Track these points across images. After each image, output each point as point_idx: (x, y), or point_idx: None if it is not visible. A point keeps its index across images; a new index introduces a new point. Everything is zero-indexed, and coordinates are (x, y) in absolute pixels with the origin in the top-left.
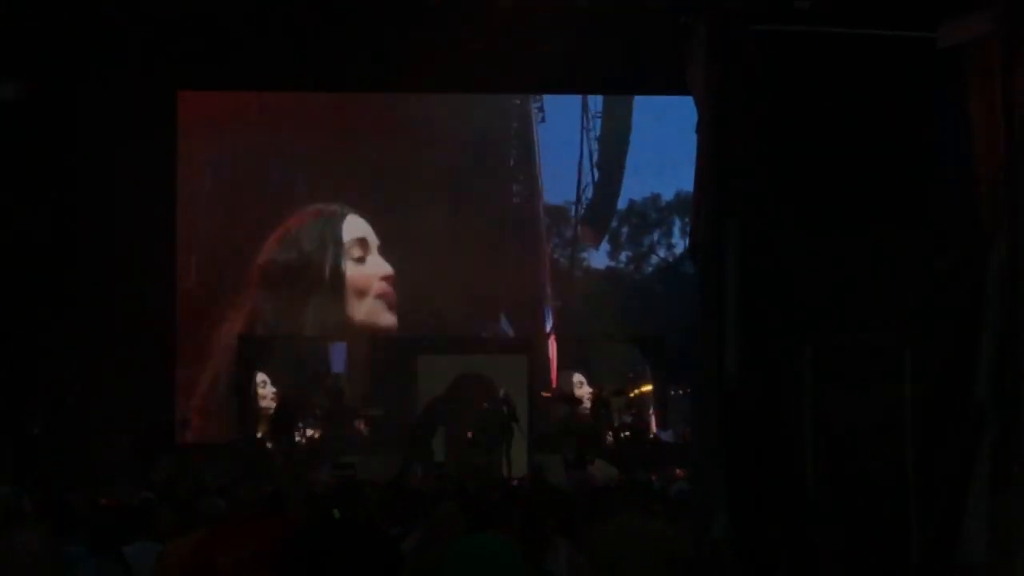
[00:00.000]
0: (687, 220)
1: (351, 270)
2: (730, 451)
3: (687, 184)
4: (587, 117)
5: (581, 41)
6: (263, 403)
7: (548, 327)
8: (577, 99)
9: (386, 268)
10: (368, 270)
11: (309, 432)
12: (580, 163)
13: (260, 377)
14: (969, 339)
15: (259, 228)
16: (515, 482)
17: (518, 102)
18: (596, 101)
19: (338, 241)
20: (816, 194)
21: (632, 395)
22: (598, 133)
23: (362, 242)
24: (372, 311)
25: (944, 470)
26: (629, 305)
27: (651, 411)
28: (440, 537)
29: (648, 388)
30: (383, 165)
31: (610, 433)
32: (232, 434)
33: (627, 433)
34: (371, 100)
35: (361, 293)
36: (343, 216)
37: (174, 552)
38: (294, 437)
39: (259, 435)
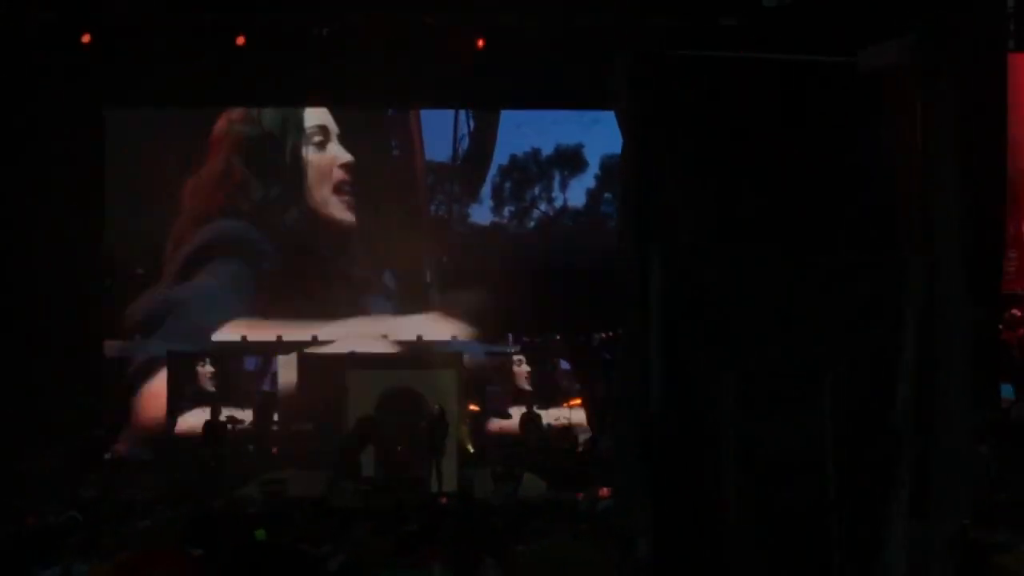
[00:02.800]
0: (566, 173)
1: (311, 154)
2: (653, 476)
3: (566, 139)
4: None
5: (507, 58)
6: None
7: (428, 280)
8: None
9: (346, 155)
10: (328, 155)
11: (238, 447)
12: (456, 115)
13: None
14: (888, 365)
15: None
16: (444, 499)
17: None
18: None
19: (300, 124)
20: (737, 219)
21: (563, 405)
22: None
23: (323, 128)
24: (327, 202)
25: (864, 494)
26: (512, 260)
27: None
28: (362, 562)
29: (577, 401)
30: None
31: (539, 445)
32: (162, 450)
33: (555, 447)
34: None
35: (320, 179)
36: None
37: (99, 574)
38: (223, 453)
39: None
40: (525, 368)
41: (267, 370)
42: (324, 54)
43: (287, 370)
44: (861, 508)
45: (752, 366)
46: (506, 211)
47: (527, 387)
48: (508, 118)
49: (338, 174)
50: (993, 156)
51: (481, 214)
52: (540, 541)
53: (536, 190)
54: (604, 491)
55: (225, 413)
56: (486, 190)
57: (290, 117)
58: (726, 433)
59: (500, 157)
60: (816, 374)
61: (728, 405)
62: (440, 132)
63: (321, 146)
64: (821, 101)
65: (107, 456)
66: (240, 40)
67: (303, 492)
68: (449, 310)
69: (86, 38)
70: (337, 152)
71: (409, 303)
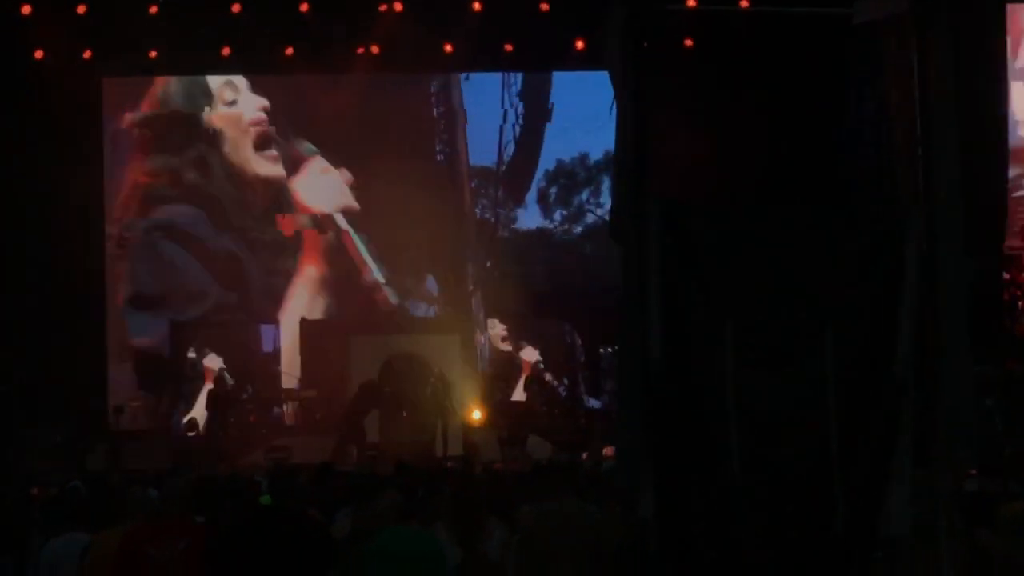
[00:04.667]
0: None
1: (224, 112)
2: (654, 433)
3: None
4: (508, 73)
5: (503, 17)
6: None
7: (471, 286)
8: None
9: (260, 100)
10: (240, 109)
11: (243, 416)
12: (503, 119)
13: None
14: (888, 316)
15: None
16: (449, 464)
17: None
18: None
19: (207, 92)
20: (735, 172)
21: (566, 365)
22: (519, 89)
23: (230, 85)
24: (251, 158)
25: (866, 447)
26: (559, 264)
27: (580, 379)
28: (368, 527)
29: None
30: (315, 114)
31: (544, 409)
32: (166, 421)
33: (559, 409)
34: None
35: (239, 133)
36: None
37: (104, 544)
38: (228, 422)
39: (192, 420)
40: (507, 332)
41: (271, 338)
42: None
43: (290, 338)
44: (863, 461)
45: (752, 321)
46: (556, 215)
47: (533, 352)
48: (555, 121)
49: (254, 117)
50: (992, 106)
51: (528, 219)
52: (544, 502)
53: (584, 195)
54: (607, 451)
55: (229, 382)
56: (532, 195)
57: (196, 87)
58: (726, 389)
59: (546, 162)
60: (816, 328)
61: (728, 361)
62: (486, 137)
63: (233, 104)
64: (819, 54)
65: (113, 427)
66: (236, 8)
67: (309, 459)
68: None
69: (81, 8)
70: (250, 101)
71: (452, 310)
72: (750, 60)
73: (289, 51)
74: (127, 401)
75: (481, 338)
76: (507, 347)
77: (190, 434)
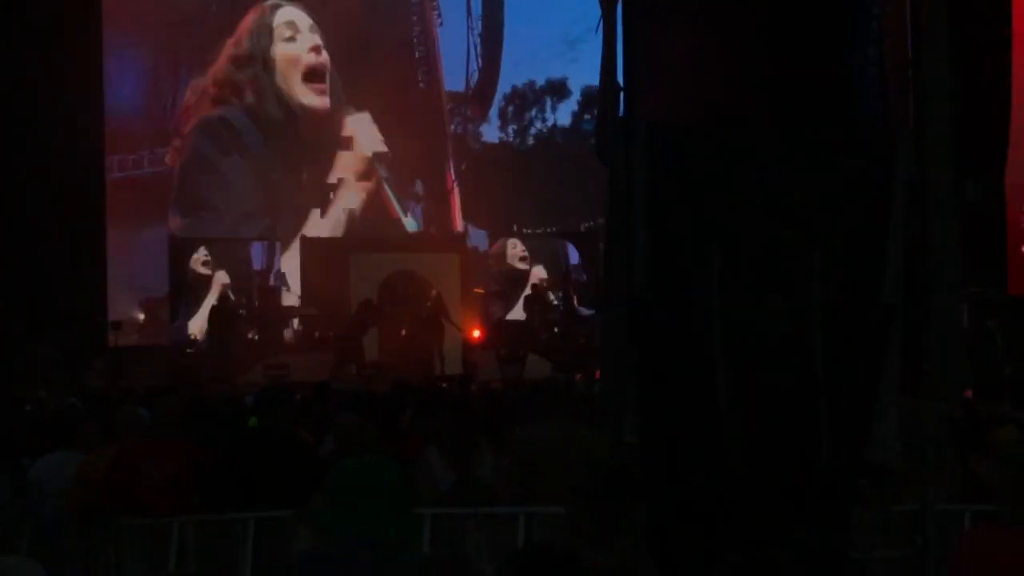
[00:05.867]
0: (555, 100)
1: (282, 49)
2: (640, 358)
3: (554, 72)
4: (471, 19)
5: None
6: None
7: (451, 183)
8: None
9: (314, 40)
10: (297, 47)
11: (242, 333)
12: (467, 55)
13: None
14: (877, 241)
15: None
16: (445, 384)
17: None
18: (477, 6)
19: (270, 28)
20: (724, 94)
21: (564, 283)
22: (479, 32)
23: (291, 24)
24: (302, 91)
25: (853, 372)
26: (514, 166)
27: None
28: (352, 448)
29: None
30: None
31: (543, 328)
32: (167, 337)
33: (558, 328)
34: None
35: (292, 69)
36: (277, 7)
37: (96, 462)
38: (227, 339)
39: (193, 337)
40: (526, 252)
41: (272, 256)
42: None
43: (290, 255)
44: (850, 386)
45: (739, 245)
46: (510, 130)
47: (531, 270)
48: (508, 55)
49: (308, 58)
50: (993, 21)
51: (490, 133)
52: (537, 425)
53: (532, 112)
54: (599, 373)
55: (230, 299)
56: (493, 112)
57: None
58: (713, 313)
59: (503, 87)
60: (804, 252)
61: (714, 285)
62: (455, 67)
63: (291, 40)
64: None
65: (112, 343)
66: None
67: (308, 376)
68: (467, 206)
69: None
70: (307, 40)
71: (436, 203)
72: None
73: None
74: (126, 317)
75: (451, 208)
76: (507, 264)
77: (189, 351)
